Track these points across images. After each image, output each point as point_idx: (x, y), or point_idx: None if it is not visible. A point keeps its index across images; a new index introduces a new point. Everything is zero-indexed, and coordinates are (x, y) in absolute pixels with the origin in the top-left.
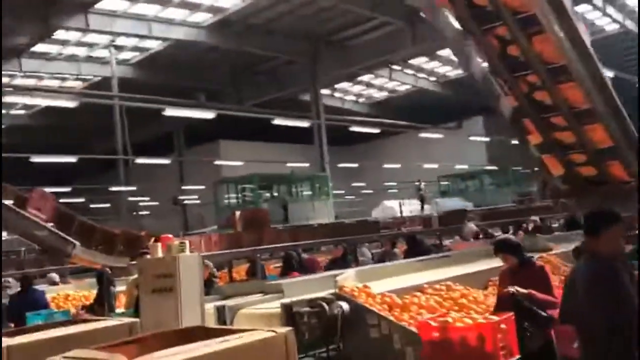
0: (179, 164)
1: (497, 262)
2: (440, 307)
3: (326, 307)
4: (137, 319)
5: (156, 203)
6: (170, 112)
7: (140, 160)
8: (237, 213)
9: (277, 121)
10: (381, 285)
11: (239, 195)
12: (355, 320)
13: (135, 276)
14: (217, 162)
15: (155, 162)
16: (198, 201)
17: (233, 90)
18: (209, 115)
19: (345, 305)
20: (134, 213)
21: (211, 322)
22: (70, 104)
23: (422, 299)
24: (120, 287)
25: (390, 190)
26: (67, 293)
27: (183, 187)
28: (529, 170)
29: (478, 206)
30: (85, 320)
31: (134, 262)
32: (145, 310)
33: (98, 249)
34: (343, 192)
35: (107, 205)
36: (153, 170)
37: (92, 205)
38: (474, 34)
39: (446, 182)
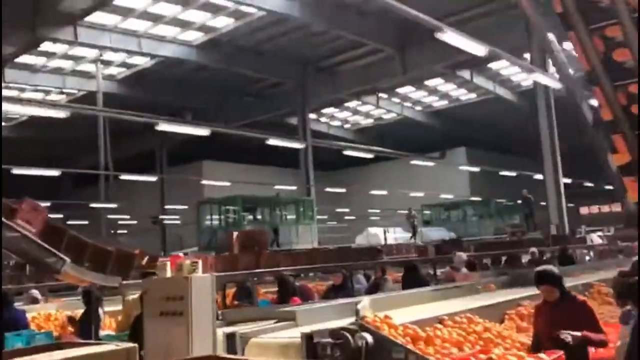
0: (161, 183)
1: (511, 295)
2: (465, 341)
3: (350, 338)
4: (134, 344)
5: (134, 222)
6: (163, 127)
7: (123, 177)
8: (235, 234)
9: (272, 141)
10: (398, 316)
11: (222, 216)
12: (379, 354)
13: (135, 296)
14: (203, 182)
15: (136, 180)
16: (178, 222)
17: (220, 111)
18: (202, 132)
19: (368, 337)
20: (112, 231)
21: (220, 351)
22: (61, 113)
23: (444, 331)
24: (108, 308)
25: (372, 218)
26: (48, 313)
27: (167, 207)
28: (511, 203)
29: (460, 237)
30: (73, 344)
31: (126, 282)
32: (151, 335)
33: (88, 266)
34: (326, 217)
35: (86, 222)
36: (133, 189)
37: (70, 222)
38: (577, 32)
39: (429, 212)
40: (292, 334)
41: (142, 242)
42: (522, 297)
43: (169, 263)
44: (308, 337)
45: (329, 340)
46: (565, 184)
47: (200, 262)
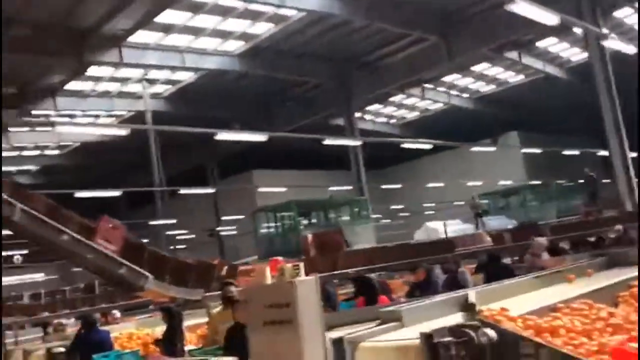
0: (214, 196)
1: (612, 277)
2: (592, 329)
3: (473, 335)
4: (234, 358)
5: (192, 236)
6: (222, 136)
7: (178, 192)
8: (309, 236)
9: (327, 141)
10: (509, 307)
11: (278, 223)
12: (505, 350)
13: (218, 309)
14: (259, 190)
15: (190, 195)
16: (234, 232)
17: (263, 118)
18: (259, 138)
19: (491, 333)
20: (170, 247)
21: (331, 359)
22: (122, 131)
23: (564, 320)
24: (187, 322)
25: (427, 212)
26: (130, 332)
27: (223, 218)
28: (572, 183)
29: (521, 223)
30: None
31: (208, 294)
32: (256, 347)
33: (170, 280)
34: (380, 216)
35: (145, 240)
36: (187, 204)
37: None
38: None
39: (486, 200)
40: (404, 335)
41: (201, 255)
42: (629, 278)
43: (268, 269)
44: (428, 337)
45: (451, 339)
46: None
47: (302, 265)
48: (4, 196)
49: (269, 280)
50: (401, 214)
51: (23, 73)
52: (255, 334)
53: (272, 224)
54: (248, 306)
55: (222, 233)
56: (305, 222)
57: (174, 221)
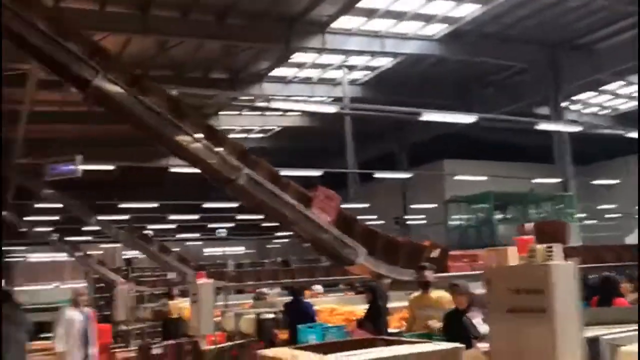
0: (402, 184)
1: None
2: None
3: None
4: (461, 345)
5: (381, 222)
6: (427, 116)
7: (366, 179)
8: (527, 225)
9: (542, 126)
10: None
11: (472, 215)
12: None
13: (417, 294)
14: (451, 179)
15: (380, 181)
16: (422, 221)
17: (460, 105)
18: (469, 119)
19: None
20: None
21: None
22: (330, 108)
23: None
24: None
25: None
26: (332, 307)
27: (411, 206)
28: None
29: None
30: (388, 342)
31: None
32: (498, 335)
33: (380, 257)
34: (585, 215)
35: None
36: (374, 191)
37: None
38: None
39: None
40: None
41: None
42: None
43: (511, 248)
44: None
45: None
46: None
47: (559, 248)
48: (232, 159)
49: (515, 261)
50: (609, 215)
51: (235, 59)
52: (497, 321)
53: (464, 216)
54: (490, 289)
55: (409, 222)
56: (500, 216)
57: (367, 205)
